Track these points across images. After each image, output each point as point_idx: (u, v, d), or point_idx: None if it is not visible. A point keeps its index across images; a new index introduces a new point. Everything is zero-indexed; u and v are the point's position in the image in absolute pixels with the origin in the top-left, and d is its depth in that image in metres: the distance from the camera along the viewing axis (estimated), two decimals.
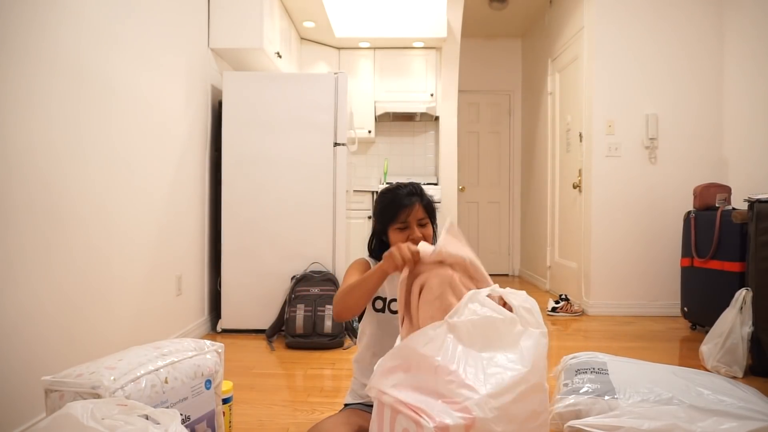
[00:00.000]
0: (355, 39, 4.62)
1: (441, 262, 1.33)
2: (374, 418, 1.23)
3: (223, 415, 1.64)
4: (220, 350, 1.60)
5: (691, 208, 3.44)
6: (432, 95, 4.81)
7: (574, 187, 4.22)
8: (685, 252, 3.36)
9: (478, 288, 1.34)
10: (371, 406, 1.27)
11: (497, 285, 1.33)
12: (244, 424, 1.88)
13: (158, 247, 2.60)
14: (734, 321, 2.44)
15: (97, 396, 1.23)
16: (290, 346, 2.92)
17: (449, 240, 1.36)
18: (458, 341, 1.20)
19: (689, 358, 2.74)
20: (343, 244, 3.25)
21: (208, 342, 1.60)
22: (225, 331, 3.22)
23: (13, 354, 1.61)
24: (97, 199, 2.05)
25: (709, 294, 3.07)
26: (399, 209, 1.58)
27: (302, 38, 4.65)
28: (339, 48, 4.85)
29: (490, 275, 1.39)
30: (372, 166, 5.20)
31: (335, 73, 3.25)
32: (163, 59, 2.61)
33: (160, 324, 2.63)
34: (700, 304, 3.19)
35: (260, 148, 3.21)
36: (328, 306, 2.95)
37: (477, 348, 1.19)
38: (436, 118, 4.92)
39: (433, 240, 1.69)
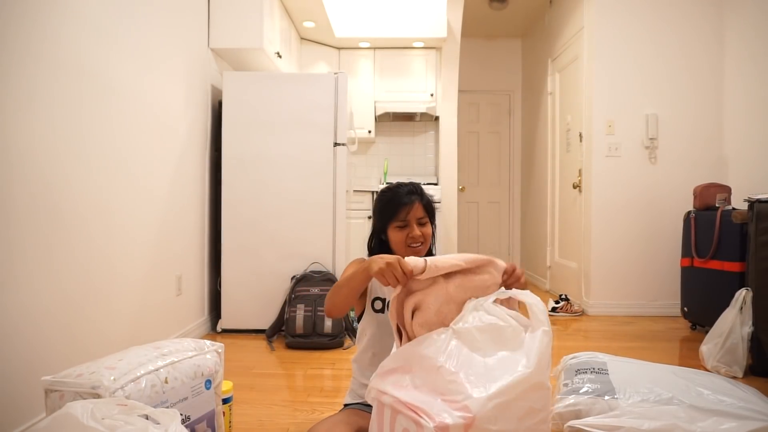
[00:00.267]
0: (355, 39, 4.62)
1: (434, 278, 1.32)
2: (374, 418, 1.23)
3: (223, 415, 1.64)
4: (220, 350, 1.60)
5: (691, 208, 3.44)
6: (432, 95, 4.81)
7: (574, 187, 4.22)
8: (685, 252, 3.36)
9: (487, 281, 1.33)
10: (371, 406, 1.27)
11: (504, 291, 1.32)
12: (244, 424, 1.88)
13: (158, 247, 2.60)
14: (734, 321, 2.44)
15: (97, 396, 1.23)
16: (290, 346, 2.92)
17: (435, 258, 1.34)
18: (462, 345, 1.20)
19: (689, 358, 2.74)
20: (343, 244, 3.25)
21: (208, 342, 1.60)
22: (225, 331, 3.22)
23: (13, 354, 1.61)
24: (97, 199, 2.05)
25: (709, 294, 3.07)
26: (399, 207, 1.59)
27: (302, 38, 4.65)
28: (339, 48, 4.85)
29: None
30: (372, 166, 5.19)
31: (335, 73, 3.25)
32: (163, 59, 2.61)
33: (160, 324, 2.63)
34: (700, 304, 3.19)
35: (260, 148, 3.21)
36: None
37: (481, 353, 1.19)
38: (436, 118, 4.92)
39: (432, 239, 1.69)
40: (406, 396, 1.13)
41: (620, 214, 3.87)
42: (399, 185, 1.66)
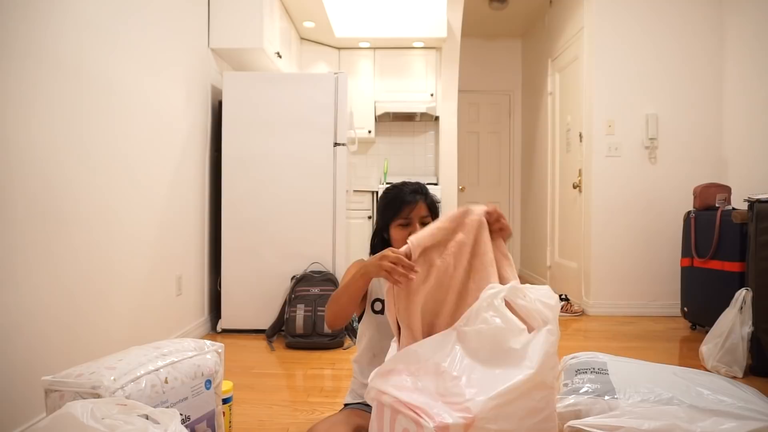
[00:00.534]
0: (355, 39, 4.62)
1: (423, 253, 1.31)
2: (374, 418, 1.23)
3: (223, 415, 1.64)
4: (220, 350, 1.60)
5: (691, 208, 3.44)
6: (432, 95, 4.81)
7: (574, 187, 4.22)
8: (685, 252, 3.36)
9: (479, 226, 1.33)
10: (371, 406, 1.27)
11: (513, 284, 1.31)
12: (244, 424, 1.88)
13: (158, 247, 2.60)
14: (734, 321, 2.44)
15: (97, 396, 1.23)
16: (290, 346, 2.92)
17: (413, 236, 1.35)
18: (465, 354, 1.19)
19: (689, 358, 2.74)
20: (343, 244, 3.25)
21: (208, 342, 1.60)
22: (225, 331, 3.22)
23: (13, 353, 1.61)
24: (98, 199, 2.05)
25: (709, 294, 3.07)
26: (402, 205, 1.59)
27: (302, 38, 4.65)
28: (339, 48, 4.85)
29: None
30: (372, 166, 5.20)
31: (335, 73, 3.25)
32: (164, 59, 2.61)
33: (160, 324, 2.63)
34: (700, 304, 3.18)
35: (260, 148, 3.21)
36: None
37: (484, 357, 1.19)
38: (436, 118, 4.92)
39: None
40: (406, 396, 1.13)
41: (620, 214, 3.87)
42: (404, 184, 1.66)
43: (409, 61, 4.84)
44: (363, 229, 4.37)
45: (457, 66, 4.67)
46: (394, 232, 1.62)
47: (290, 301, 3.00)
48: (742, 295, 2.46)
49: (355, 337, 2.46)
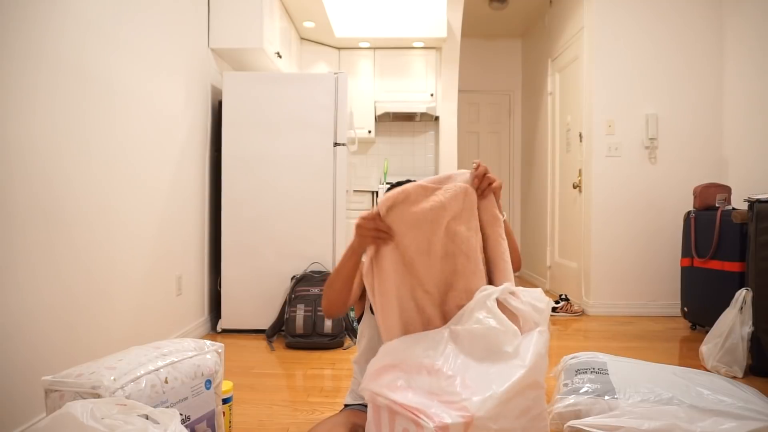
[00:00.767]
0: (355, 39, 4.62)
1: (397, 212, 1.30)
2: (370, 419, 1.22)
3: (223, 415, 1.64)
4: (220, 350, 1.60)
5: (691, 208, 3.44)
6: (432, 95, 4.81)
7: (574, 187, 4.22)
8: (685, 252, 3.36)
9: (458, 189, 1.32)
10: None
11: (510, 284, 1.30)
12: (244, 424, 1.88)
13: (158, 247, 2.60)
14: (734, 321, 2.44)
15: (97, 396, 1.23)
16: (290, 346, 2.92)
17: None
18: (459, 353, 1.19)
19: (689, 358, 2.74)
20: (343, 244, 3.25)
21: (208, 342, 1.60)
22: (225, 331, 3.22)
23: (13, 353, 1.61)
24: (99, 199, 2.05)
25: (709, 294, 3.07)
26: None
27: (302, 38, 4.65)
28: (339, 48, 4.85)
29: None
30: (372, 166, 5.20)
31: (335, 73, 3.25)
32: (164, 59, 2.61)
33: (160, 324, 2.63)
34: (700, 304, 3.19)
35: (260, 148, 3.21)
36: None
37: (477, 357, 1.19)
38: (436, 118, 4.92)
39: None
40: (402, 398, 1.12)
41: (620, 214, 3.87)
42: (407, 182, 1.66)
43: (409, 61, 4.85)
44: None
45: (457, 66, 4.67)
46: None
47: (290, 301, 3.00)
48: (742, 295, 2.46)
49: (355, 338, 2.46)
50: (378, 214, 1.28)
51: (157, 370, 1.37)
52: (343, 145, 3.24)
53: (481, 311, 1.23)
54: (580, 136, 4.10)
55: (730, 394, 1.73)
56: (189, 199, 2.98)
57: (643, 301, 3.85)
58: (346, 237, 3.32)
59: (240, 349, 2.87)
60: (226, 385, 1.68)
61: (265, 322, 3.19)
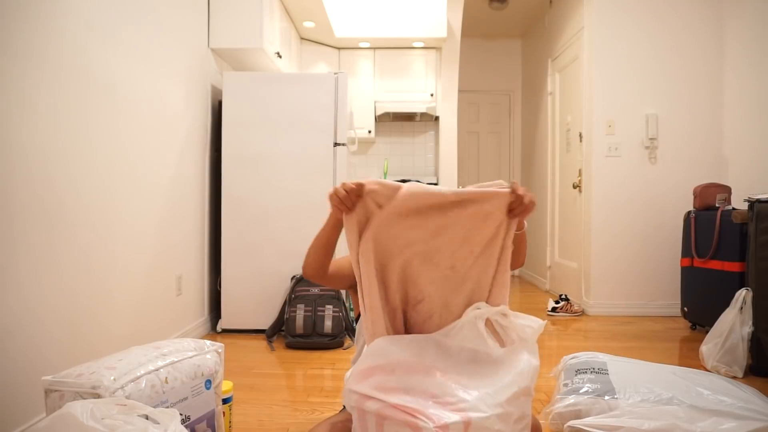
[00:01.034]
0: (355, 39, 4.62)
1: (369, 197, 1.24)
2: (356, 427, 1.16)
3: (223, 415, 1.64)
4: (220, 350, 1.60)
5: (691, 208, 3.45)
6: (432, 95, 4.81)
7: (574, 187, 4.22)
8: (685, 252, 3.36)
9: (486, 210, 1.20)
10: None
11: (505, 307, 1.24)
12: (244, 424, 1.88)
13: (159, 247, 2.60)
14: (734, 321, 2.44)
15: (97, 396, 1.23)
16: (290, 346, 2.92)
17: (412, 185, 1.25)
18: (450, 357, 1.17)
19: (689, 358, 2.74)
20: (343, 243, 3.24)
21: (208, 342, 1.60)
22: (225, 331, 3.23)
23: (14, 353, 1.61)
24: (100, 199, 2.05)
25: (709, 294, 3.07)
26: None
27: (302, 38, 4.65)
28: (339, 48, 4.85)
29: None
30: (372, 166, 5.19)
31: (335, 73, 3.25)
32: (164, 59, 2.61)
33: (160, 323, 2.63)
34: (700, 304, 3.19)
35: (260, 148, 3.21)
36: (328, 306, 2.95)
37: (467, 363, 1.17)
38: (436, 118, 4.92)
39: None
40: (396, 399, 1.08)
41: (620, 213, 3.87)
42: (403, 182, 1.66)
43: (409, 61, 4.85)
44: None
45: (457, 66, 4.67)
46: None
47: (290, 301, 3.00)
48: (742, 295, 2.46)
49: (355, 337, 2.46)
50: (362, 186, 1.23)
51: (157, 370, 1.37)
52: (343, 145, 3.24)
53: (472, 330, 1.19)
54: (580, 136, 4.10)
55: (730, 394, 1.73)
56: (189, 199, 2.98)
57: (643, 301, 3.85)
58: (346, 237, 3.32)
59: (240, 349, 2.87)
60: (226, 385, 1.68)
61: (265, 322, 3.19)
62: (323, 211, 3.23)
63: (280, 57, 3.70)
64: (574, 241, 4.27)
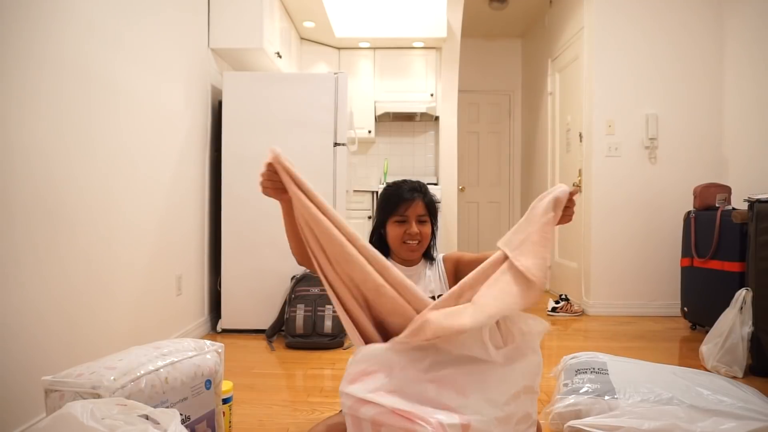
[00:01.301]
0: (355, 39, 4.62)
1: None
2: None
3: (223, 415, 1.64)
4: (220, 350, 1.60)
5: (691, 208, 3.44)
6: (432, 95, 4.81)
7: (574, 186, 4.22)
8: (685, 252, 3.36)
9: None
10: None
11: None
12: (244, 424, 1.88)
13: (159, 247, 2.60)
14: (734, 321, 2.44)
15: (97, 396, 1.23)
16: (290, 346, 2.92)
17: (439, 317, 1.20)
18: (447, 361, 1.15)
19: (689, 358, 2.74)
20: None
21: (208, 342, 1.60)
22: (225, 331, 3.22)
23: (15, 353, 1.61)
24: (100, 198, 2.05)
25: (709, 294, 3.07)
26: (399, 202, 1.59)
27: (302, 38, 4.65)
28: (339, 48, 4.85)
29: None
30: (372, 166, 5.20)
31: (335, 73, 3.25)
32: (164, 60, 2.61)
33: (160, 323, 2.63)
34: (700, 304, 3.19)
35: (260, 148, 3.20)
36: (328, 306, 2.95)
37: (466, 366, 1.15)
38: (436, 118, 4.92)
39: (431, 240, 1.69)
40: (393, 403, 1.06)
41: (620, 213, 3.87)
42: (404, 181, 1.67)
43: (409, 61, 4.84)
44: (363, 229, 4.37)
45: (457, 66, 4.67)
46: (390, 229, 1.62)
47: (290, 301, 3.00)
48: (742, 295, 2.46)
49: None
50: (287, 171, 1.25)
51: (157, 370, 1.37)
52: (343, 145, 3.24)
53: (471, 336, 1.16)
54: (580, 136, 4.10)
55: (730, 394, 1.73)
56: (189, 199, 2.98)
57: (642, 301, 3.85)
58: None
59: (240, 349, 2.87)
60: (226, 385, 1.68)
61: (265, 322, 3.18)
62: None
63: (280, 57, 3.70)
64: (574, 241, 4.27)
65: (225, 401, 1.67)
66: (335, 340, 2.92)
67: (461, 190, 5.97)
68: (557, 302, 3.86)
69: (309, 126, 3.20)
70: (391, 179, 4.90)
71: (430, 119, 5.07)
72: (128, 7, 2.26)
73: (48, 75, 1.76)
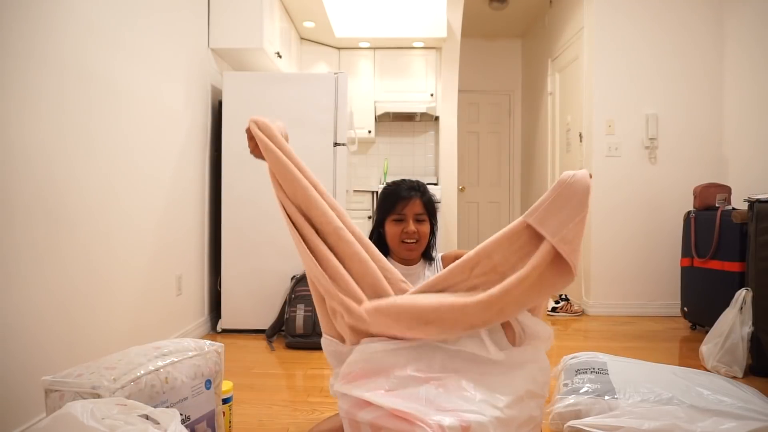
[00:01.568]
0: (355, 39, 4.62)
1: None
2: None
3: (223, 415, 1.64)
4: (220, 350, 1.60)
5: (691, 208, 3.44)
6: (432, 95, 4.81)
7: None
8: (685, 252, 3.36)
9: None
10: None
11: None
12: (244, 424, 1.88)
13: (159, 247, 2.60)
14: (734, 321, 2.44)
15: (97, 396, 1.23)
16: (290, 346, 2.92)
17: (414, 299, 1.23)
18: (449, 363, 1.14)
19: (689, 358, 2.74)
20: None
21: (208, 342, 1.60)
22: (225, 331, 3.22)
23: (15, 353, 1.61)
24: (100, 198, 2.05)
25: (709, 294, 3.07)
26: (397, 201, 1.60)
27: (302, 38, 4.65)
28: (339, 48, 4.85)
29: None
30: (372, 166, 5.19)
31: (335, 73, 3.25)
32: (164, 60, 2.61)
33: (160, 323, 2.63)
34: (700, 304, 3.18)
35: None
36: None
37: (468, 368, 1.14)
38: (436, 118, 4.92)
39: (429, 239, 1.69)
40: (392, 403, 1.05)
41: (620, 213, 3.87)
42: (403, 181, 1.67)
43: (409, 61, 4.84)
44: (363, 229, 4.33)
45: (457, 66, 4.67)
46: (389, 228, 1.62)
47: (290, 301, 3.00)
48: (742, 295, 2.46)
49: None
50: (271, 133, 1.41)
51: (157, 370, 1.37)
52: (343, 145, 3.23)
53: (471, 336, 1.16)
54: (580, 136, 4.10)
55: (730, 394, 1.73)
56: (189, 199, 2.98)
57: (642, 301, 3.85)
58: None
59: (240, 349, 2.87)
60: (226, 385, 1.68)
61: (265, 322, 3.18)
62: None
63: (280, 57, 3.70)
64: None
65: (225, 401, 1.67)
66: None
67: (461, 190, 5.97)
68: (557, 302, 3.86)
69: (309, 126, 3.20)
70: (391, 179, 4.89)
71: (430, 119, 5.07)
72: (128, 7, 2.26)
73: (48, 75, 1.76)
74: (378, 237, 1.67)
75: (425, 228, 1.63)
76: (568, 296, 3.94)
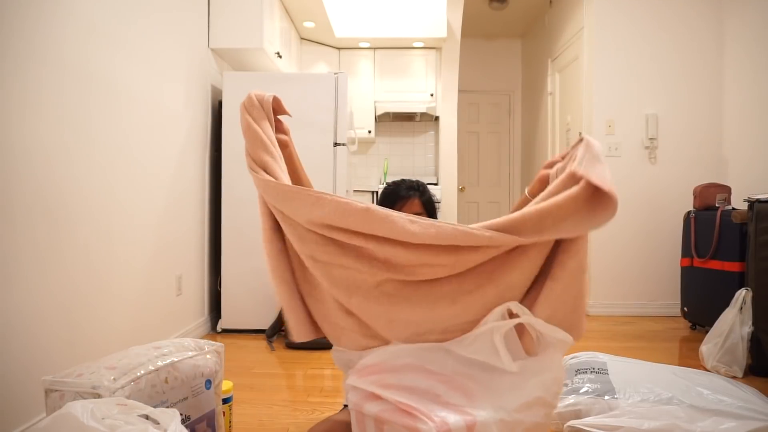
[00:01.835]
0: (355, 39, 4.62)
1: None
2: (355, 430, 1.14)
3: (223, 415, 1.64)
4: (220, 350, 1.60)
5: (691, 208, 3.44)
6: (432, 95, 4.81)
7: None
8: (685, 252, 3.36)
9: None
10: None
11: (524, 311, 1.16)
12: (244, 424, 1.88)
13: (159, 247, 2.60)
14: (734, 321, 2.44)
15: (98, 396, 1.23)
16: (290, 346, 2.92)
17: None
18: (461, 365, 1.13)
19: (689, 358, 2.74)
20: None
21: (208, 342, 1.60)
22: (225, 331, 3.22)
23: (15, 353, 1.61)
24: (101, 197, 2.05)
25: (709, 294, 3.07)
26: (396, 200, 1.60)
27: (302, 38, 4.65)
28: (339, 48, 4.85)
29: None
30: (372, 166, 5.20)
31: (335, 73, 3.25)
32: (164, 60, 2.61)
33: (160, 324, 2.63)
34: (700, 304, 3.18)
35: None
36: None
37: (479, 372, 1.12)
38: (436, 118, 4.92)
39: None
40: (398, 396, 1.06)
41: (620, 214, 3.81)
42: (403, 180, 1.68)
43: (409, 61, 4.84)
44: None
45: (457, 66, 4.67)
46: None
47: None
48: (742, 295, 2.46)
49: None
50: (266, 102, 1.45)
51: (157, 370, 1.37)
52: (343, 145, 3.23)
53: (484, 342, 1.13)
54: (580, 136, 4.10)
55: (730, 394, 1.73)
56: (189, 199, 2.98)
57: (642, 301, 3.85)
58: None
59: (240, 349, 2.87)
60: (226, 385, 1.68)
61: (265, 322, 3.18)
62: None
63: (280, 57, 3.70)
64: None
65: (225, 401, 1.67)
66: None
67: (461, 190, 5.97)
68: None
69: (309, 126, 3.20)
70: (391, 179, 4.90)
71: (430, 119, 5.07)
72: (128, 7, 2.26)
73: (49, 75, 1.76)
74: None
75: None
76: None
